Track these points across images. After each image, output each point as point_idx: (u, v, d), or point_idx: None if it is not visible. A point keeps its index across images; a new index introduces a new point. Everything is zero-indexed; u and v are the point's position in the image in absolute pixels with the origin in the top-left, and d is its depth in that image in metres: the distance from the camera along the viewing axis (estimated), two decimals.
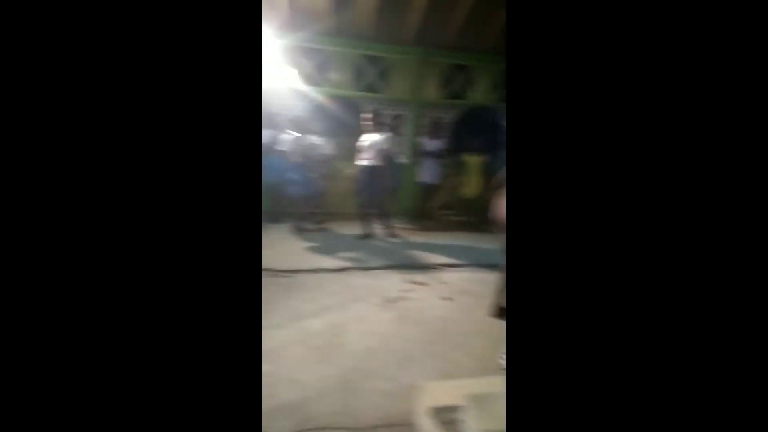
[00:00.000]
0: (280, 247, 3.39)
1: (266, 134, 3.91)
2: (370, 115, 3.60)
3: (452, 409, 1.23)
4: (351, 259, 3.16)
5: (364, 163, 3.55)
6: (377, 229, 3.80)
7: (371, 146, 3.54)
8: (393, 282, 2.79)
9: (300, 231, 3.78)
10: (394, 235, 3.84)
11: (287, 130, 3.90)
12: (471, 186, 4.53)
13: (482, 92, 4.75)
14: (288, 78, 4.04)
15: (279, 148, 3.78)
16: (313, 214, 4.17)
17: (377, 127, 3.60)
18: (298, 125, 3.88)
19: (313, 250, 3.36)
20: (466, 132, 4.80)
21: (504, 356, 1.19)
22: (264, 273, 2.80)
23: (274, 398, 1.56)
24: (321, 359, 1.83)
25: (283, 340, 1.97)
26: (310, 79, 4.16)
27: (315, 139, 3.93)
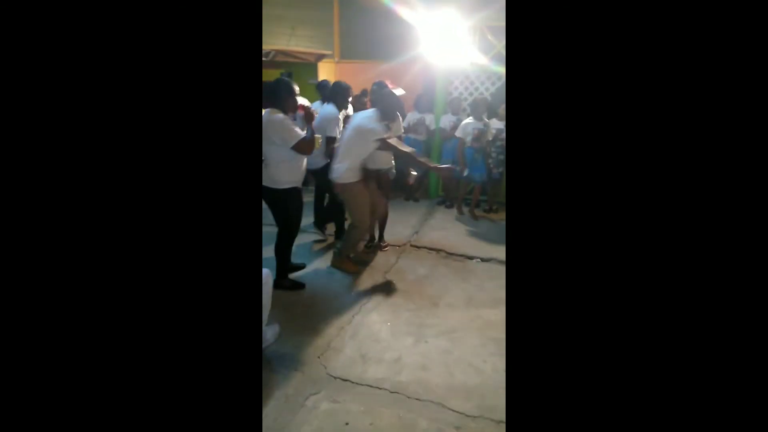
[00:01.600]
0: (452, 230, 3.44)
1: (445, 119, 3.97)
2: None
3: None
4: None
5: None
6: None
7: None
8: None
9: (472, 217, 3.74)
10: None
11: (468, 115, 3.85)
12: None
13: None
14: (474, 59, 3.96)
15: (458, 133, 3.78)
16: (486, 201, 4.05)
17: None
18: (481, 109, 3.76)
19: (484, 237, 3.28)
20: None
21: None
22: (436, 254, 2.91)
23: (454, 377, 1.60)
24: (497, 352, 1.77)
25: (459, 322, 2.00)
26: (498, 60, 3.96)
27: (498, 124, 3.75)
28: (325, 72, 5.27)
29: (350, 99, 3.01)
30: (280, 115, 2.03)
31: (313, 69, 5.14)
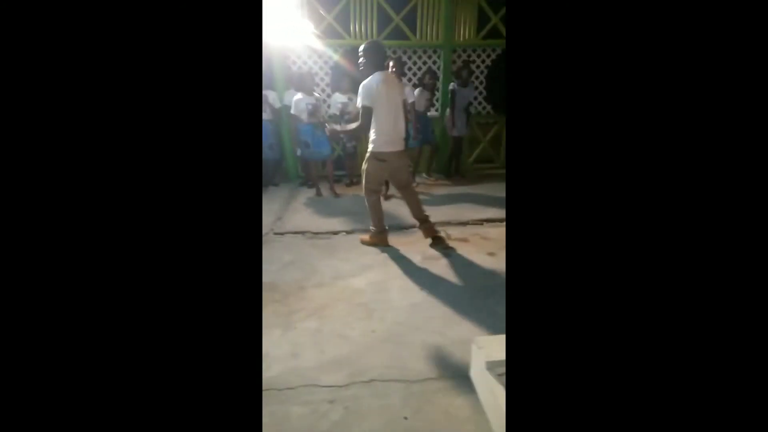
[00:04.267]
0: (316, 210, 3.40)
1: (289, 95, 3.79)
2: (390, 63, 3.29)
3: (503, 363, 1.18)
4: (387, 220, 3.11)
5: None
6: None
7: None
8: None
9: (332, 194, 3.75)
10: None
11: (309, 91, 3.73)
12: None
13: None
14: (305, 33, 3.83)
15: (292, 110, 3.63)
16: (343, 177, 4.11)
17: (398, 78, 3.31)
18: (308, 84, 3.68)
19: (347, 211, 3.34)
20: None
21: None
22: (302, 236, 2.83)
23: (324, 354, 1.59)
24: (365, 315, 1.83)
25: (327, 299, 1.99)
26: (329, 33, 3.93)
27: (339, 97, 3.77)
28: None
29: None
30: None
31: None
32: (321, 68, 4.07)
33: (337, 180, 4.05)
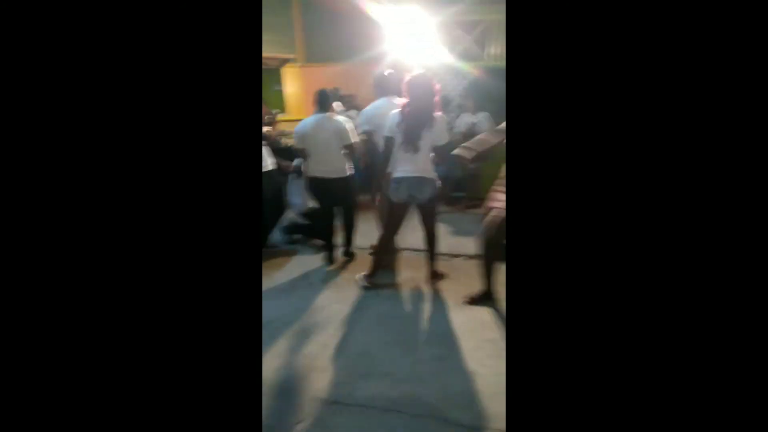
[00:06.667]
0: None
1: None
2: None
3: None
4: None
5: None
6: None
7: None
8: None
9: (448, 213, 3.66)
10: None
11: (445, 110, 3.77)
12: None
13: None
14: (442, 55, 3.91)
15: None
16: (463, 198, 3.99)
17: None
18: (450, 104, 3.71)
19: (468, 234, 3.20)
20: None
21: None
22: (420, 254, 2.79)
23: (450, 387, 1.48)
24: (495, 354, 1.66)
25: (451, 326, 1.88)
26: (467, 55, 3.93)
27: (468, 118, 3.71)
28: (290, 77, 5.09)
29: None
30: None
31: (276, 75, 4.95)
32: (454, 89, 4.08)
33: (456, 201, 3.95)
